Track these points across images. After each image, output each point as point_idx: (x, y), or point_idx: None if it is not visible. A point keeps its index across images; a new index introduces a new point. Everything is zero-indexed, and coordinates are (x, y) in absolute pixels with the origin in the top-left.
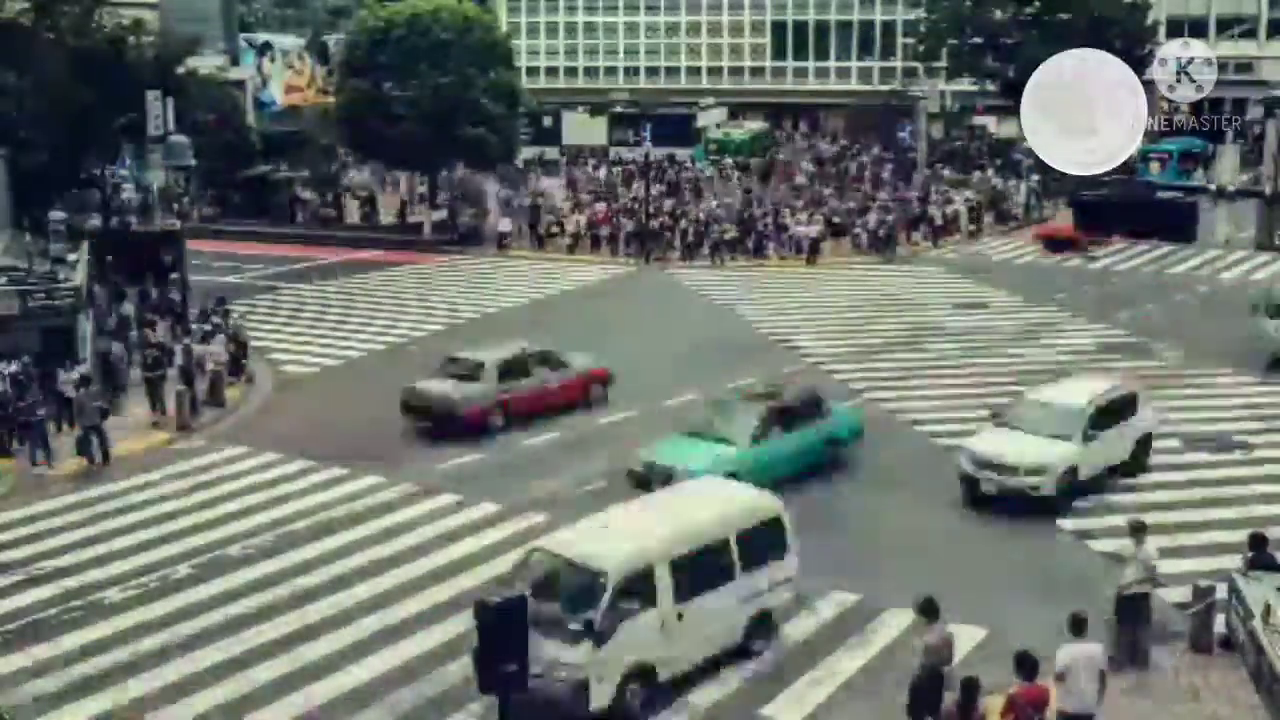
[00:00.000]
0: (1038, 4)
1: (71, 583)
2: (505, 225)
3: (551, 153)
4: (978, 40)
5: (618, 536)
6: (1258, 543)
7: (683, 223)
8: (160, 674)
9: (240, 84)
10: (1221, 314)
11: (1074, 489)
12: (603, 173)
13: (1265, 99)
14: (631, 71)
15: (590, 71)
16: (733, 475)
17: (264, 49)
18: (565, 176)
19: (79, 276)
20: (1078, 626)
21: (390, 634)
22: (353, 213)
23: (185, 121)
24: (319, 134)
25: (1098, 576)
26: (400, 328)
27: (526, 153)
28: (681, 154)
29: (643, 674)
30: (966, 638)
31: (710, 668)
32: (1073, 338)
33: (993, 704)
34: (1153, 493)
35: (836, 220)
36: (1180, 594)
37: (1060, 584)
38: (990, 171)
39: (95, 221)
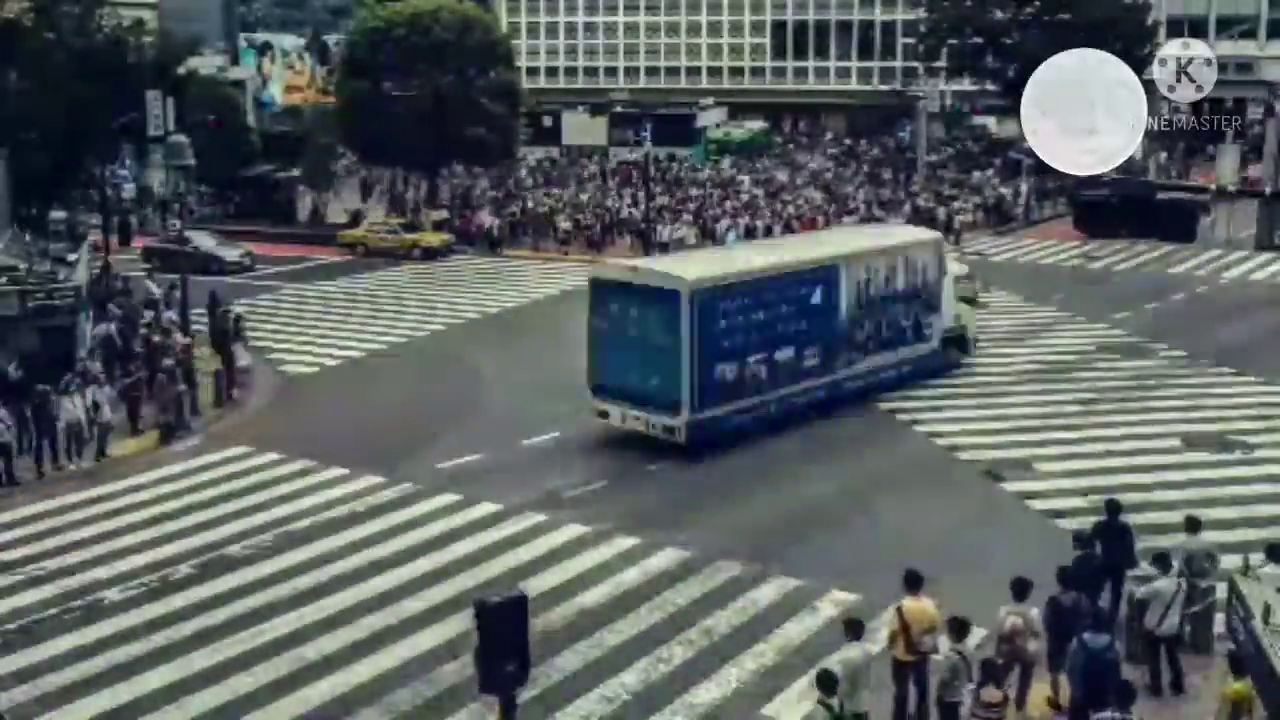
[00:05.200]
0: (1038, 4)
1: (71, 583)
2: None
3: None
4: (978, 40)
5: None
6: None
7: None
8: (160, 674)
9: (240, 84)
10: (1221, 314)
11: None
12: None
13: (1265, 99)
14: (631, 71)
15: (590, 71)
16: None
17: (264, 49)
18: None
19: (79, 276)
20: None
21: (390, 634)
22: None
23: (185, 121)
24: (319, 134)
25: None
26: (401, 327)
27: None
28: (681, 154)
29: None
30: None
31: (710, 667)
32: (1072, 337)
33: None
34: (1152, 492)
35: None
36: None
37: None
38: (990, 171)
39: (95, 220)
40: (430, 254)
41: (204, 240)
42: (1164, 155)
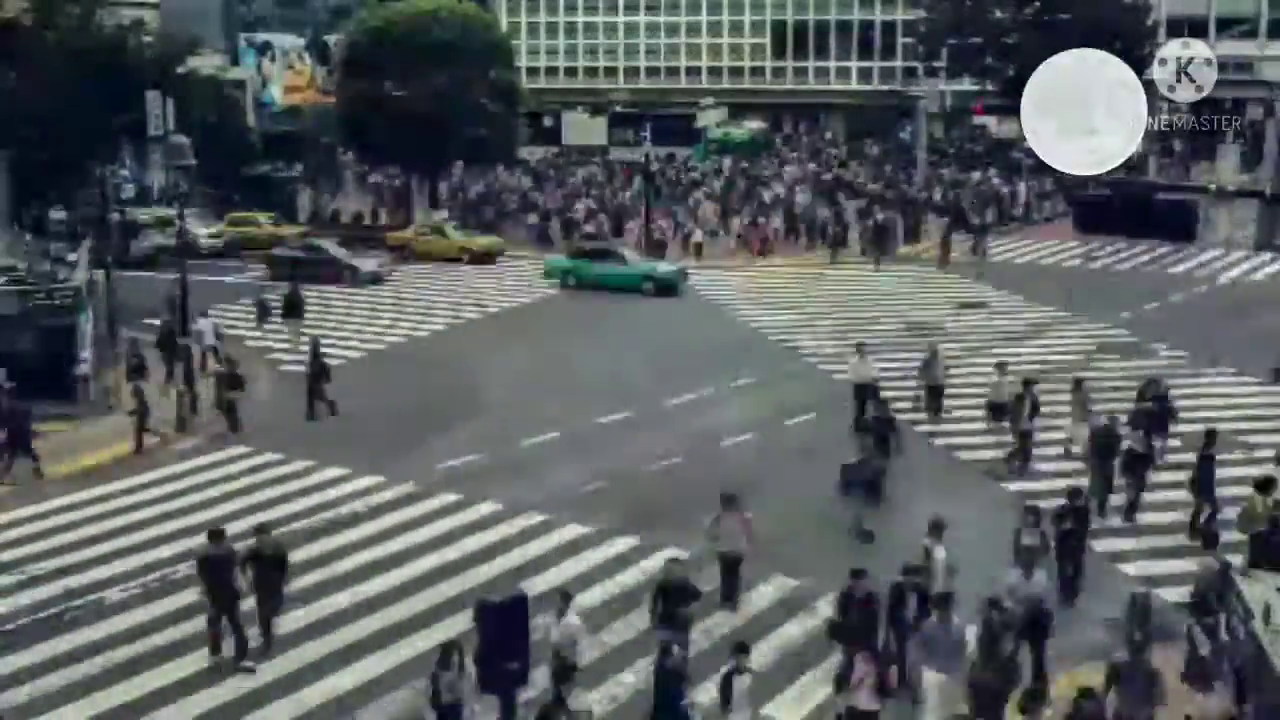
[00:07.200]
0: (1038, 4)
1: (71, 583)
2: None
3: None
4: (978, 40)
5: None
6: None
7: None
8: (160, 674)
9: (240, 84)
10: (1222, 314)
11: None
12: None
13: (1265, 99)
14: (631, 71)
15: (590, 71)
16: None
17: (264, 49)
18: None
19: (79, 276)
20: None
21: (390, 634)
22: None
23: (185, 121)
24: (319, 134)
25: (1099, 573)
26: (401, 328)
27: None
28: (681, 154)
29: None
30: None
31: (710, 668)
32: (1072, 337)
33: None
34: (1152, 493)
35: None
36: (1180, 594)
37: None
38: (991, 171)
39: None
40: (478, 259)
41: (335, 250)
42: (1164, 155)
